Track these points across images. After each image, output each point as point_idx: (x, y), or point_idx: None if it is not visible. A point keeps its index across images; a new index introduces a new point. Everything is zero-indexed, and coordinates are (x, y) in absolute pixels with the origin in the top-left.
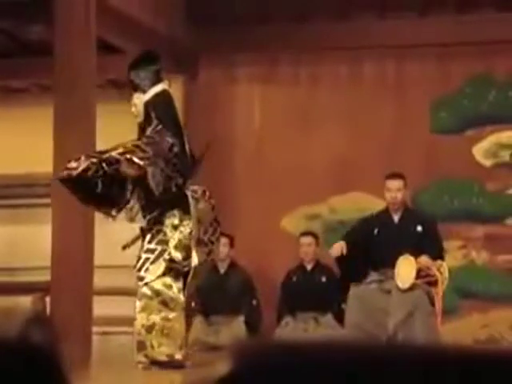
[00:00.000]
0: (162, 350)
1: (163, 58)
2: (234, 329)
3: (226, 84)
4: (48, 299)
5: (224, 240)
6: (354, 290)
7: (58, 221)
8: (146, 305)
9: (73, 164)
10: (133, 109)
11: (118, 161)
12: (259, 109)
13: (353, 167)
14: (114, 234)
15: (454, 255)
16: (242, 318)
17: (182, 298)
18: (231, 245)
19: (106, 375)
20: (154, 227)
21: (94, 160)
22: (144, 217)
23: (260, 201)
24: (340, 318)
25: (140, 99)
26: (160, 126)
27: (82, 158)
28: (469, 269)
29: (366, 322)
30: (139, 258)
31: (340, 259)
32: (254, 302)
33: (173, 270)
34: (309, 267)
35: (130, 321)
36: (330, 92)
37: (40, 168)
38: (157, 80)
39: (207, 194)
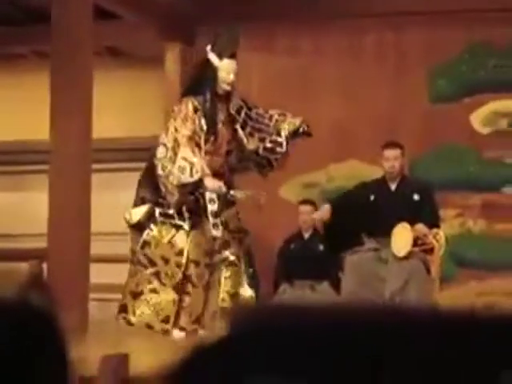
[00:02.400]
0: None
1: (160, 25)
2: None
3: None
4: (45, 266)
5: None
6: (350, 258)
7: (54, 187)
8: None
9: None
10: (231, 76)
11: None
12: (257, 78)
13: (351, 136)
14: (112, 201)
15: (451, 223)
16: None
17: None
18: None
19: (103, 341)
20: (229, 199)
21: None
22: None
23: None
24: (336, 286)
25: (234, 67)
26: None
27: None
28: (465, 237)
29: (363, 290)
30: (239, 228)
31: (329, 224)
32: (251, 270)
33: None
34: (306, 235)
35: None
36: (329, 61)
37: (37, 135)
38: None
39: None
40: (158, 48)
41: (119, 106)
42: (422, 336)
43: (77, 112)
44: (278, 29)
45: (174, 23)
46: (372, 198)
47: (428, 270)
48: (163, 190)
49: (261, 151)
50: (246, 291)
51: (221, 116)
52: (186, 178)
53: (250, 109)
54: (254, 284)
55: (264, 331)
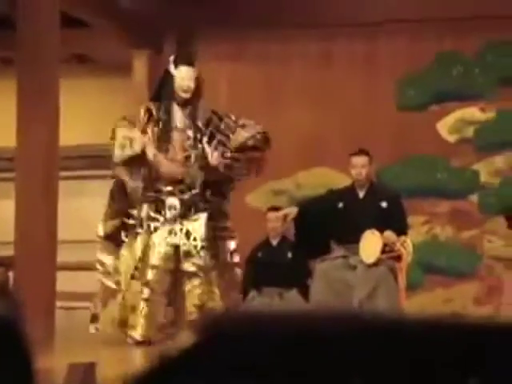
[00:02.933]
0: None
1: (128, 32)
2: None
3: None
4: (11, 274)
5: None
6: (318, 266)
7: (21, 195)
8: (217, 281)
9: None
10: (185, 83)
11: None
12: (225, 86)
13: (319, 143)
14: (79, 209)
15: (419, 230)
16: None
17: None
18: None
19: (70, 349)
20: (210, 204)
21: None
22: (182, 192)
23: None
24: (305, 293)
25: (192, 74)
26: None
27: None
28: (432, 244)
29: (331, 298)
30: (206, 236)
31: (298, 228)
32: None
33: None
34: (274, 242)
35: (94, 296)
36: (298, 69)
37: (3, 142)
38: (194, 56)
39: None
40: (126, 55)
41: (87, 113)
42: (389, 345)
43: (44, 119)
44: (246, 36)
45: (142, 31)
46: (340, 205)
47: (395, 277)
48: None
49: (221, 168)
50: (218, 302)
51: (178, 123)
52: (127, 152)
53: (220, 119)
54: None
55: (231, 339)
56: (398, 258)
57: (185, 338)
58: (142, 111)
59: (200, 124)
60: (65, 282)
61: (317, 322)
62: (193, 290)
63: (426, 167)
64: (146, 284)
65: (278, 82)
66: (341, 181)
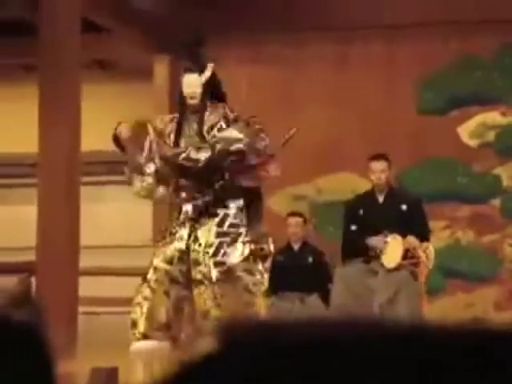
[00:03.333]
0: None
1: (148, 37)
2: None
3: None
4: (33, 279)
5: None
6: (339, 271)
7: (43, 201)
8: (228, 291)
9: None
10: (189, 90)
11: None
12: (245, 90)
13: (339, 148)
14: (100, 214)
15: (440, 235)
16: None
17: (265, 281)
18: None
19: (92, 354)
20: (219, 209)
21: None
22: (194, 198)
23: None
24: (326, 298)
25: (197, 80)
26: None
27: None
28: (454, 248)
29: (352, 303)
30: (210, 243)
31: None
32: None
33: (252, 253)
34: (296, 247)
35: (115, 301)
36: (317, 73)
37: (25, 148)
38: (205, 61)
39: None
40: (147, 60)
41: (107, 119)
42: (408, 351)
43: (65, 125)
44: (263, 40)
45: (162, 35)
46: (361, 211)
47: (417, 282)
48: None
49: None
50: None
51: (188, 130)
52: (146, 182)
53: (228, 124)
54: None
55: (248, 346)
56: (420, 264)
57: (204, 345)
58: (157, 123)
59: (205, 130)
60: (85, 287)
61: (334, 329)
62: (198, 296)
63: (447, 172)
64: (148, 283)
65: (296, 86)
66: (361, 185)
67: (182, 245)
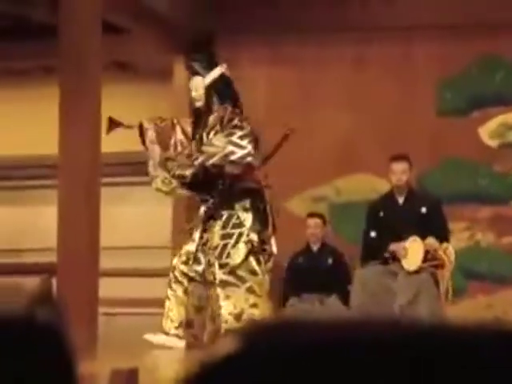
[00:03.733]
0: None
1: (168, 38)
2: None
3: (231, 66)
4: (54, 280)
5: None
6: (359, 272)
7: (63, 202)
8: (233, 292)
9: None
10: (193, 93)
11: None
12: (264, 91)
13: (359, 149)
14: (120, 215)
15: (460, 236)
16: None
17: (267, 281)
18: None
19: (112, 355)
20: (223, 211)
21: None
22: (204, 201)
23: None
24: (345, 299)
25: (201, 83)
26: (237, 110)
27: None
28: (474, 250)
29: (371, 304)
30: (216, 245)
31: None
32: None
33: (255, 253)
34: (315, 248)
35: (135, 302)
36: (335, 74)
37: (46, 150)
38: (214, 63)
39: (268, 178)
40: (166, 61)
41: (127, 120)
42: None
43: (85, 126)
44: (283, 41)
45: (182, 36)
46: (381, 213)
47: (437, 284)
48: None
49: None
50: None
51: (198, 132)
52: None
53: (222, 128)
54: None
55: (276, 347)
56: (440, 266)
57: (223, 345)
58: (186, 122)
59: (204, 133)
60: (105, 288)
61: (352, 330)
62: (212, 297)
63: (468, 173)
64: (169, 282)
65: (314, 87)
66: (380, 186)
67: (193, 247)
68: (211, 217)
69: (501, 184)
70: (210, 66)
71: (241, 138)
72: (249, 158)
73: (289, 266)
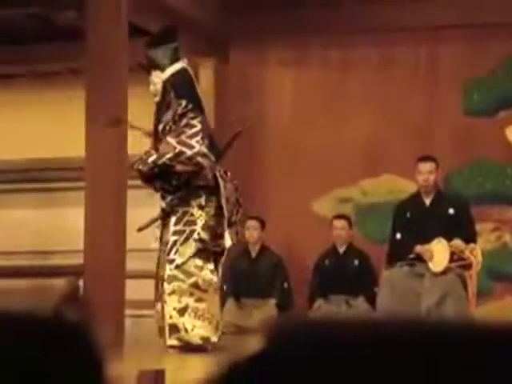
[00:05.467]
0: (197, 332)
1: (193, 40)
2: (265, 312)
3: (257, 68)
4: (81, 282)
5: (255, 223)
6: (385, 274)
7: (90, 204)
8: (178, 287)
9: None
10: (151, 87)
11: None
12: (290, 92)
13: (385, 150)
14: (146, 217)
15: (487, 238)
16: (273, 301)
17: (215, 279)
18: (262, 228)
19: (139, 357)
20: (179, 208)
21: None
22: (163, 197)
23: (291, 184)
24: (372, 301)
25: (159, 78)
26: (190, 106)
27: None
28: (502, 251)
29: (398, 306)
30: (167, 241)
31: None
32: (286, 285)
33: (203, 250)
34: (341, 250)
35: None
36: (362, 75)
37: (73, 152)
38: (175, 58)
39: (229, 174)
40: (192, 65)
41: (152, 122)
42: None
43: (112, 128)
44: (309, 43)
45: (208, 39)
46: (408, 214)
47: (464, 285)
48: None
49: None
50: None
51: (156, 127)
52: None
53: (171, 128)
54: (286, 300)
55: (305, 345)
56: (468, 267)
57: (249, 345)
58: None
59: (160, 129)
60: (132, 290)
61: (378, 328)
62: (165, 296)
63: (494, 174)
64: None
65: (340, 88)
66: (406, 188)
67: (156, 245)
68: (168, 214)
69: None
70: (171, 61)
71: (190, 136)
72: (198, 158)
73: (315, 268)
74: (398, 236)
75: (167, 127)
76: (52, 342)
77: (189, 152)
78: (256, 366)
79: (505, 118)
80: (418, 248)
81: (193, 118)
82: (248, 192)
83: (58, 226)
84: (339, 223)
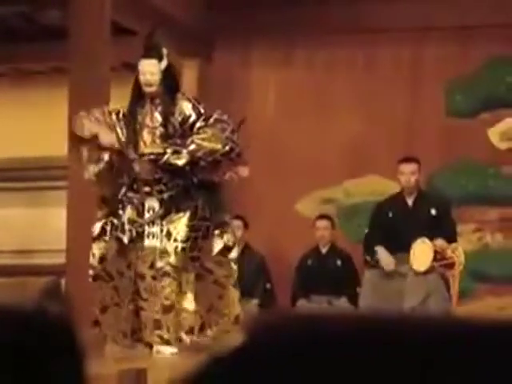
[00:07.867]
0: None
1: (178, 40)
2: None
3: (241, 68)
4: (63, 281)
5: (238, 223)
6: (368, 274)
7: (72, 203)
8: (201, 285)
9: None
10: (148, 77)
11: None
12: (274, 93)
13: (368, 151)
14: None
15: (469, 238)
16: (255, 302)
17: (234, 273)
18: (245, 228)
19: (120, 356)
20: (188, 204)
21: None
22: (161, 192)
23: (275, 185)
24: (354, 301)
25: (157, 67)
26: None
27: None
28: (483, 252)
29: (381, 306)
30: (187, 237)
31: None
32: (268, 286)
33: (223, 247)
34: (324, 250)
35: None
36: (345, 75)
37: (55, 151)
38: (162, 50)
39: None
40: (175, 64)
41: None
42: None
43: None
44: (293, 43)
45: (191, 39)
46: (390, 214)
47: (447, 285)
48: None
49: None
50: (190, 304)
51: (145, 120)
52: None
53: (198, 118)
54: (268, 300)
55: (284, 340)
56: (450, 266)
57: (232, 340)
58: (107, 111)
59: (175, 121)
60: None
61: (360, 323)
62: (162, 289)
63: (476, 174)
64: (137, 292)
65: (325, 89)
66: (389, 188)
67: (155, 242)
68: (169, 209)
69: (510, 186)
70: (160, 52)
71: (232, 132)
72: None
73: (298, 268)
74: (368, 232)
75: (188, 122)
76: (35, 334)
77: (237, 149)
78: (237, 360)
79: (487, 118)
80: (382, 253)
81: (221, 117)
82: (231, 192)
83: (41, 226)
84: (322, 223)
